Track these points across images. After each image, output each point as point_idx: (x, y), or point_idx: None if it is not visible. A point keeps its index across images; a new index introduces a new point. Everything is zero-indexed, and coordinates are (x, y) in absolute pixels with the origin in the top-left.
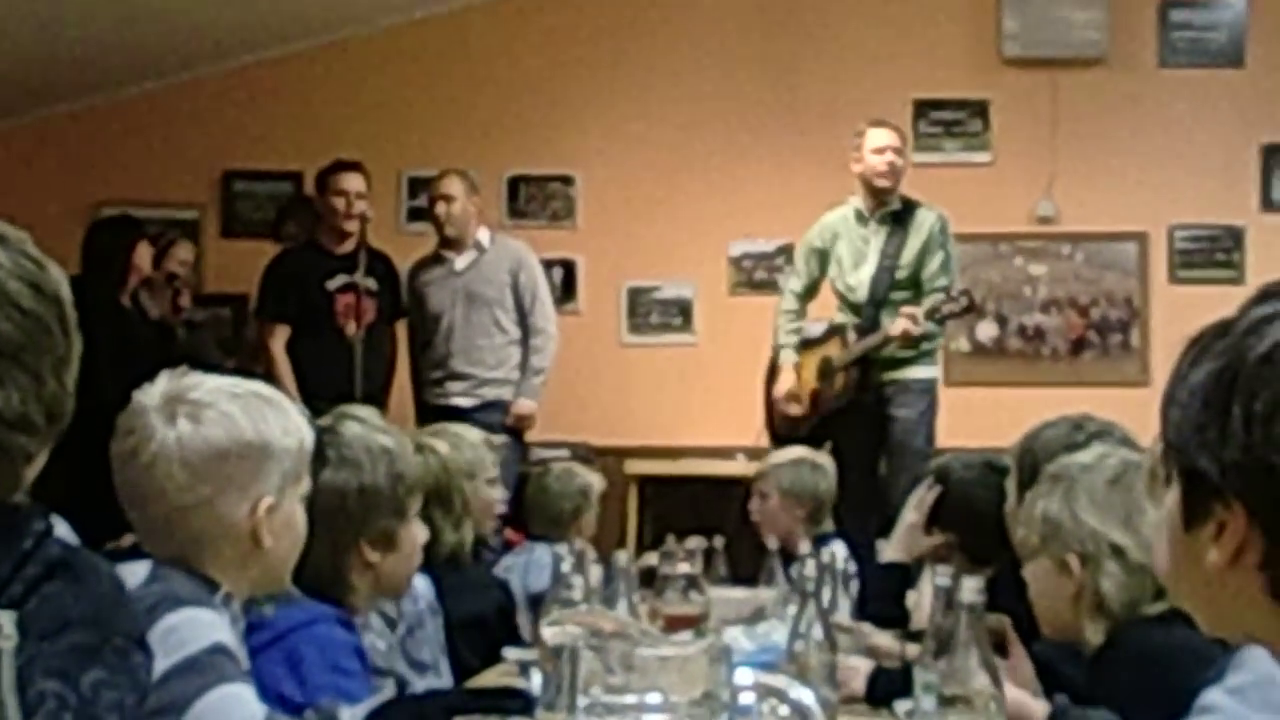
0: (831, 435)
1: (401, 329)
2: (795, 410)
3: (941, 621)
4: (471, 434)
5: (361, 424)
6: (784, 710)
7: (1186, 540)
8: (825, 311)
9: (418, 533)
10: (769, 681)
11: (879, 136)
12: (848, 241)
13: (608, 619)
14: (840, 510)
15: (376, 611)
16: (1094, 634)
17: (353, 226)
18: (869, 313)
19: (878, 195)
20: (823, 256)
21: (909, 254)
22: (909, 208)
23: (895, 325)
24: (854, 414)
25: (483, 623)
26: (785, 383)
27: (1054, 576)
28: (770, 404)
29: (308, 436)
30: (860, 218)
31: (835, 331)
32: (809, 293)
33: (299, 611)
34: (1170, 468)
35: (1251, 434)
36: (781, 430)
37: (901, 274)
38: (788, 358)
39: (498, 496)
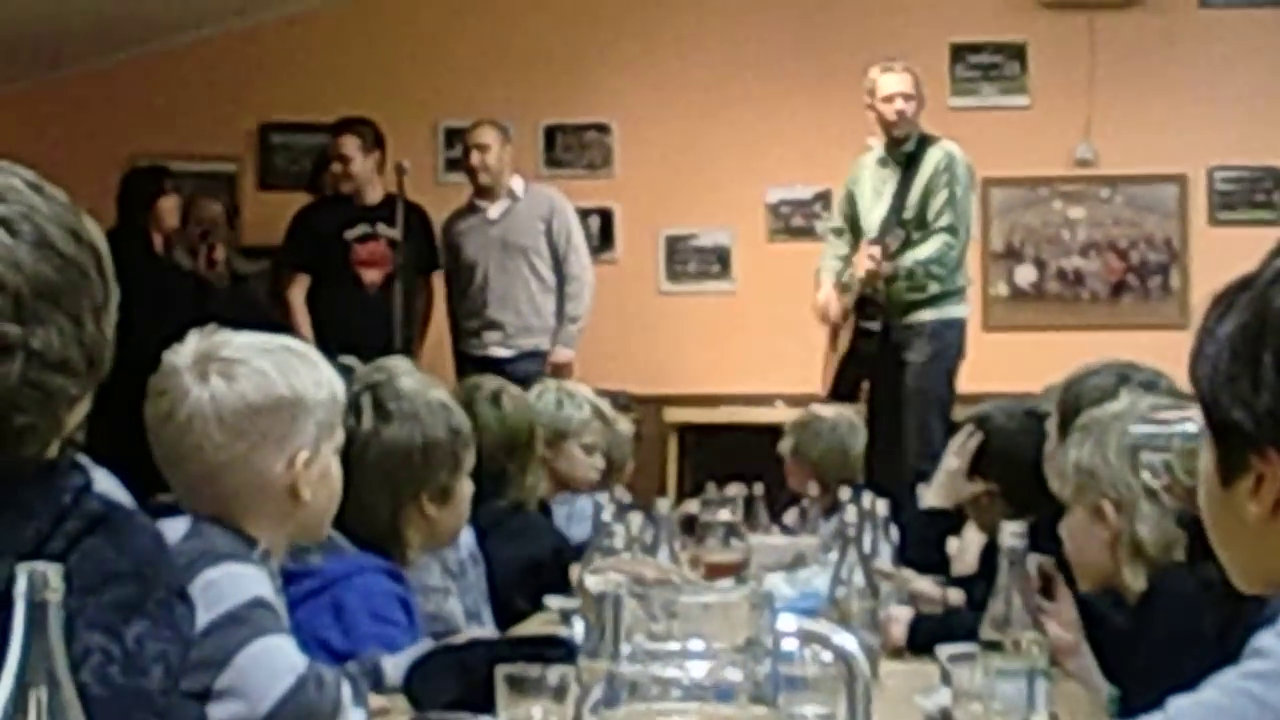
0: (852, 385)
1: (440, 281)
2: (835, 313)
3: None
4: (583, 393)
5: (414, 378)
6: (827, 656)
7: (1225, 496)
8: None
9: (468, 485)
10: (812, 628)
11: (888, 83)
12: (868, 182)
13: (650, 566)
14: (872, 459)
15: (438, 562)
16: (1133, 578)
17: (349, 186)
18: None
19: (893, 139)
20: (851, 199)
21: (914, 193)
22: (924, 145)
23: (858, 264)
24: (881, 362)
25: (538, 568)
26: (822, 292)
27: (1088, 525)
28: (828, 359)
29: (339, 388)
30: (882, 159)
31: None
32: (847, 233)
33: (346, 562)
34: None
35: None
36: (839, 385)
37: (908, 213)
38: (826, 279)
39: (596, 464)
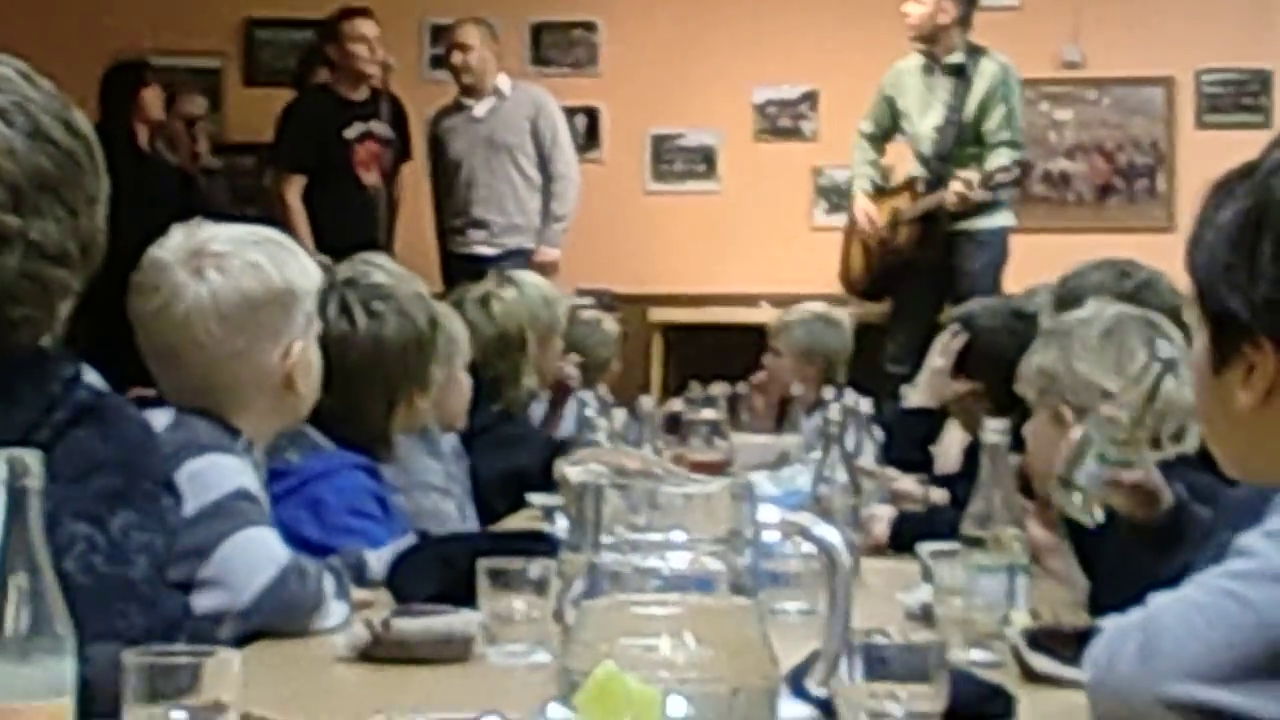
0: (894, 287)
1: (423, 180)
2: (870, 230)
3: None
4: (552, 292)
5: (389, 272)
6: (808, 547)
7: (1216, 384)
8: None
9: (442, 372)
10: (793, 519)
11: None
12: (914, 90)
13: (631, 457)
14: (890, 364)
15: (440, 462)
16: None
17: (373, 70)
18: (935, 167)
19: (927, 45)
20: (891, 104)
21: (971, 107)
22: (974, 57)
23: (949, 193)
24: (917, 268)
25: (522, 475)
26: (859, 204)
27: (1049, 429)
28: (845, 258)
29: (320, 277)
30: (927, 67)
31: (909, 184)
32: (880, 138)
33: (323, 459)
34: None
35: None
36: (852, 279)
37: (966, 127)
38: (860, 186)
39: (569, 370)
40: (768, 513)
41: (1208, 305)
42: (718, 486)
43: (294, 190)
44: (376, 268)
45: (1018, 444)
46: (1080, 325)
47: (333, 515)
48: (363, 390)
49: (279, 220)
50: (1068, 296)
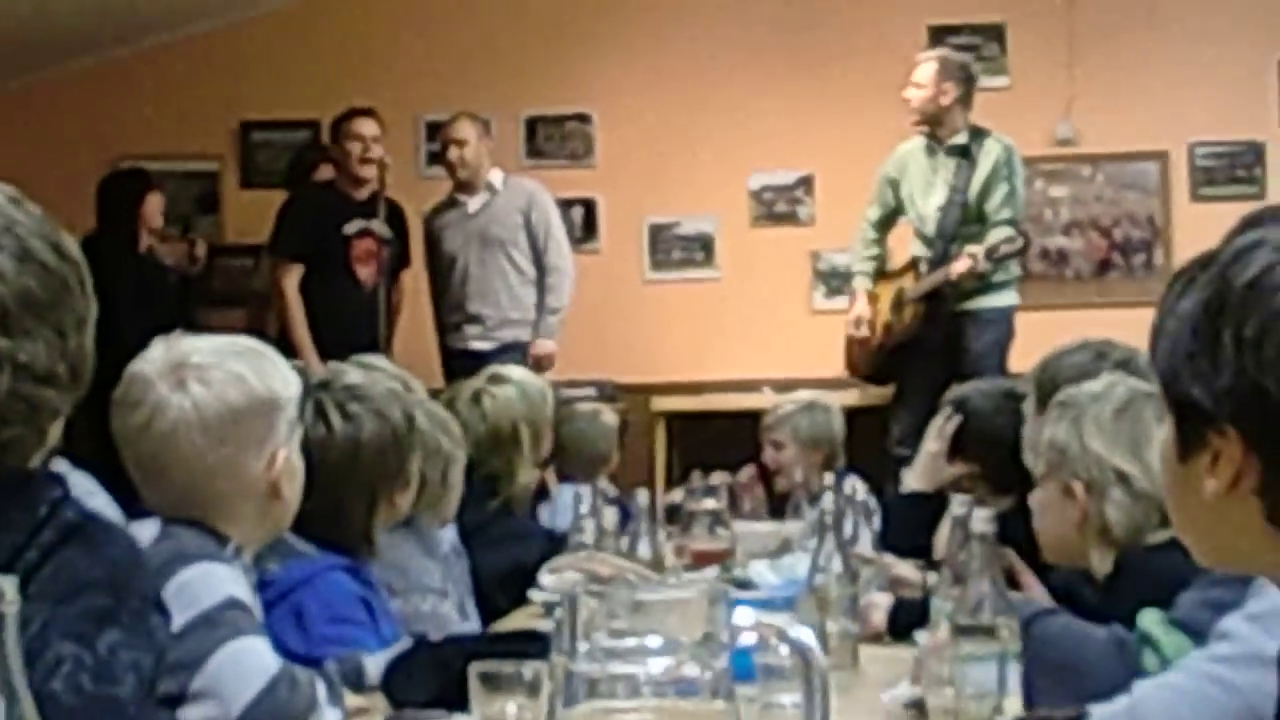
0: (899, 368)
1: (421, 276)
2: (862, 333)
3: (958, 551)
4: (542, 386)
5: (360, 373)
6: (785, 649)
7: (1183, 471)
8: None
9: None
10: (768, 620)
11: (916, 69)
12: (917, 172)
13: (605, 564)
14: (896, 446)
15: (437, 564)
16: (1100, 561)
17: (369, 172)
18: (939, 246)
19: (930, 126)
20: (895, 186)
21: (975, 186)
22: (978, 138)
23: (956, 265)
24: (922, 347)
25: (523, 572)
26: (855, 308)
27: (1059, 502)
28: (849, 339)
29: (299, 384)
30: (929, 149)
31: (912, 264)
32: (885, 223)
33: (303, 566)
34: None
35: (1243, 358)
36: (857, 365)
37: (969, 207)
38: (860, 284)
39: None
40: (743, 614)
41: (1171, 394)
42: (692, 591)
43: (292, 280)
44: (343, 369)
45: (1015, 526)
46: (1093, 401)
47: (315, 625)
48: (343, 492)
49: (276, 309)
50: (1047, 382)
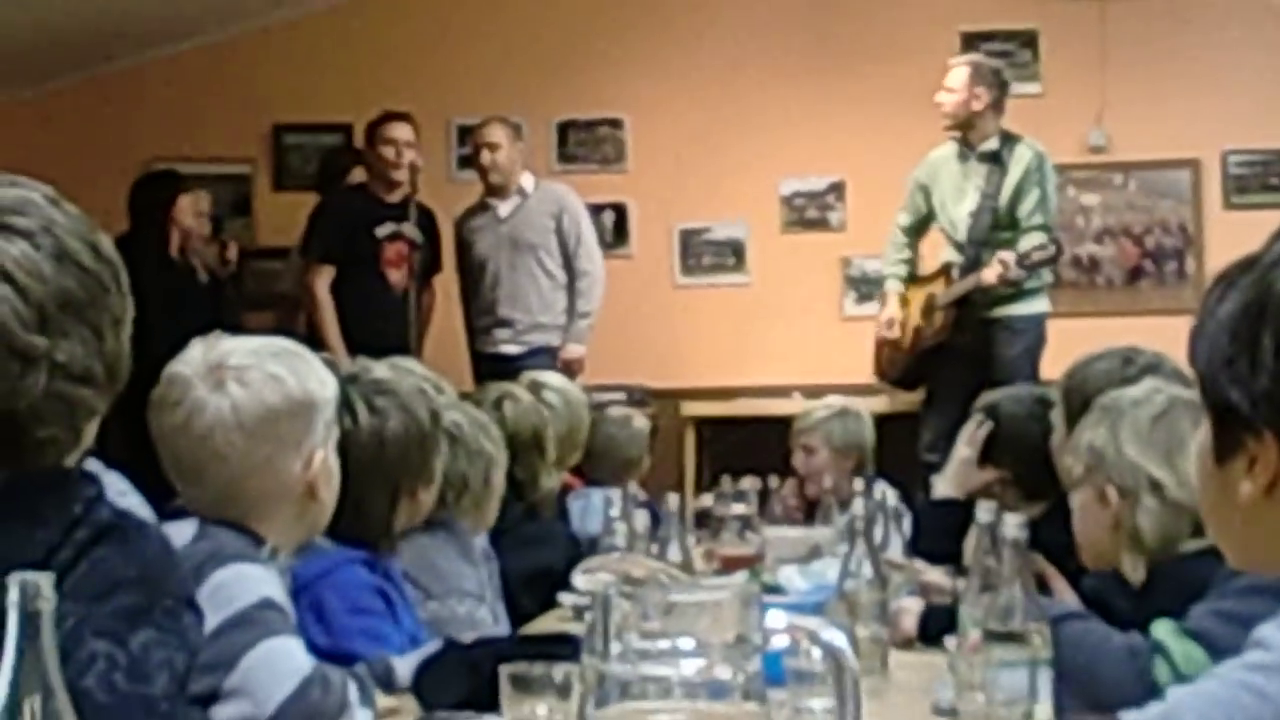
0: (929, 374)
1: (452, 280)
2: (894, 335)
3: (985, 558)
4: (577, 395)
5: (387, 368)
6: (816, 652)
7: (1219, 475)
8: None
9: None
10: (801, 623)
11: (949, 74)
12: (948, 178)
13: (638, 565)
14: (926, 452)
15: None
16: (1132, 568)
17: (402, 175)
18: (970, 252)
19: (961, 132)
20: (926, 192)
21: (1006, 192)
22: (1009, 144)
23: (988, 272)
24: (952, 353)
25: (549, 574)
26: (887, 310)
27: (1094, 506)
28: (879, 342)
29: (335, 384)
30: (961, 154)
31: (944, 270)
32: (917, 228)
33: (320, 560)
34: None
35: None
36: (886, 369)
37: (1000, 212)
38: (892, 286)
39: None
40: (775, 617)
41: (1209, 397)
42: (725, 593)
43: (323, 281)
44: (377, 364)
45: (1046, 531)
46: (1133, 406)
47: (336, 618)
48: (365, 485)
49: (307, 310)
50: (1075, 389)
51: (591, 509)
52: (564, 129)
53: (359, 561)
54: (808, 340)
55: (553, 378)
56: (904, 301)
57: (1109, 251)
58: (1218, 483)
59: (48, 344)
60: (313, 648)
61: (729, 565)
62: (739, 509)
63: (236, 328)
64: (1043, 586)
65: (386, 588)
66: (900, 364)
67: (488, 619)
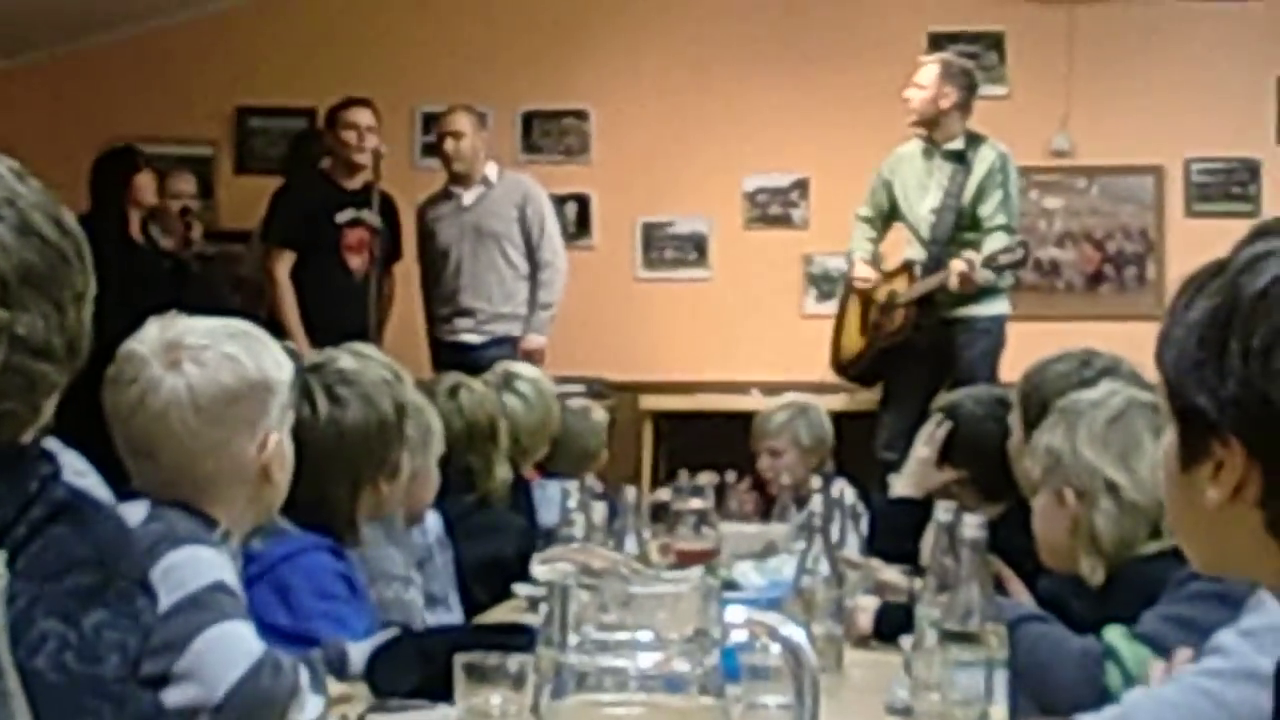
0: (888, 372)
1: (412, 268)
2: (870, 278)
3: (942, 558)
4: (548, 388)
5: (353, 359)
6: (775, 648)
7: (1185, 480)
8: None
9: (433, 463)
10: (760, 618)
11: (918, 70)
12: (912, 174)
13: (598, 556)
14: (883, 450)
15: (400, 551)
16: (1090, 570)
17: (364, 160)
18: (934, 250)
19: (927, 129)
20: (889, 187)
21: (969, 192)
22: (973, 144)
23: (953, 276)
24: (912, 351)
25: (501, 563)
26: (856, 270)
27: (1053, 508)
28: (836, 340)
29: (292, 368)
30: (926, 151)
31: (906, 267)
32: (877, 221)
33: (286, 543)
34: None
35: (1249, 369)
36: (845, 365)
37: (964, 212)
38: (859, 255)
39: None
40: (735, 612)
41: (1176, 402)
42: (685, 586)
43: (283, 266)
44: (337, 354)
45: (1004, 532)
46: (1090, 408)
47: (301, 599)
48: (326, 476)
49: (267, 296)
50: (1032, 391)
51: (548, 500)
52: (529, 119)
53: (325, 548)
54: (768, 337)
55: (526, 369)
56: (868, 284)
57: (1070, 256)
58: (1183, 488)
59: (8, 316)
60: (274, 628)
61: (685, 559)
62: (696, 504)
63: (210, 308)
64: (999, 588)
65: (351, 576)
66: (858, 360)
67: (417, 601)
